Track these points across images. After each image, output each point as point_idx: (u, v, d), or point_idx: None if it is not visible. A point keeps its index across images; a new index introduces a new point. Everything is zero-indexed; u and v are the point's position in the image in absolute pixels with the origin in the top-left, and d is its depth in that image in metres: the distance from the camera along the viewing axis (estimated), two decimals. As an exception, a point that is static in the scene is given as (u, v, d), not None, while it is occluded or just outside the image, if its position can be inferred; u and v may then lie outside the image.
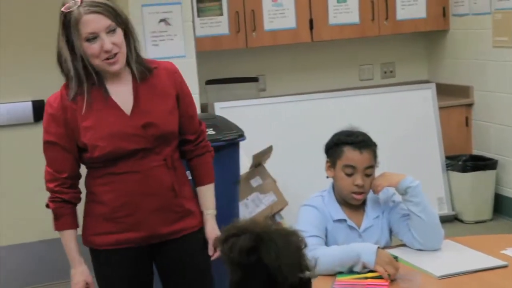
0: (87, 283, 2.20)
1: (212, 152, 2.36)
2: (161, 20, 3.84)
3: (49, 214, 2.14)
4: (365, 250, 2.10)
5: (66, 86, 2.15)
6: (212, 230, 2.27)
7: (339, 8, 4.85)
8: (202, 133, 2.33)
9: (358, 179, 2.30)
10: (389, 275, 2.04)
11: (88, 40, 2.05)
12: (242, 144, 3.65)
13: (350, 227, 2.33)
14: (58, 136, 2.13)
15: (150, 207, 2.16)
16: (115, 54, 2.08)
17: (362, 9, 4.88)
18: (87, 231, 2.22)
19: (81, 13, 2.03)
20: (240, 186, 3.82)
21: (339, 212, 2.35)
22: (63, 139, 2.13)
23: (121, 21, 2.10)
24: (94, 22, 2.04)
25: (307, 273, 1.37)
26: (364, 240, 2.32)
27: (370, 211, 2.37)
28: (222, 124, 3.56)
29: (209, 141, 2.36)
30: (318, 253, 2.11)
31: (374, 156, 2.35)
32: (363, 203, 2.38)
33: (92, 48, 2.06)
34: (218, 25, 4.62)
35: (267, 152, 4.14)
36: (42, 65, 3.98)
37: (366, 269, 2.09)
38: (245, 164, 4.00)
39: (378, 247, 2.11)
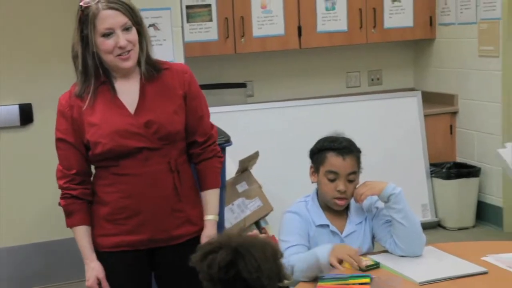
0: (98, 279, 2.20)
1: (221, 158, 2.35)
2: (150, 25, 3.86)
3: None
4: (321, 249, 2.14)
5: (76, 84, 2.18)
6: (206, 238, 2.23)
7: (328, 15, 4.89)
8: (212, 136, 2.32)
9: (340, 185, 2.32)
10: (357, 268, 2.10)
11: (104, 35, 2.09)
12: (228, 149, 3.67)
13: (333, 232, 2.36)
14: (66, 133, 2.17)
15: (151, 210, 2.18)
16: (128, 51, 2.12)
17: (350, 17, 4.93)
18: (93, 233, 2.23)
19: (99, 8, 2.08)
20: (226, 191, 3.84)
21: (321, 218, 2.37)
22: (71, 135, 2.17)
23: (137, 21, 2.15)
24: (111, 18, 2.08)
25: (286, 282, 1.38)
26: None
27: (353, 217, 2.39)
28: (210, 129, 3.58)
29: (219, 146, 2.34)
30: (292, 260, 2.17)
31: (358, 162, 2.37)
32: (347, 208, 2.40)
33: (106, 44, 2.10)
34: (207, 31, 4.65)
35: (253, 157, 4.17)
36: (30, 70, 4.01)
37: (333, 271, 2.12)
38: (231, 170, 4.02)
39: (336, 245, 2.16)
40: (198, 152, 2.29)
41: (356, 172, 2.36)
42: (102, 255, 2.22)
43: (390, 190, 2.31)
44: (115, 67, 2.15)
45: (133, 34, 2.13)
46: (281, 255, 1.38)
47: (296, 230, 2.31)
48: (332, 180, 2.33)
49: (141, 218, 2.17)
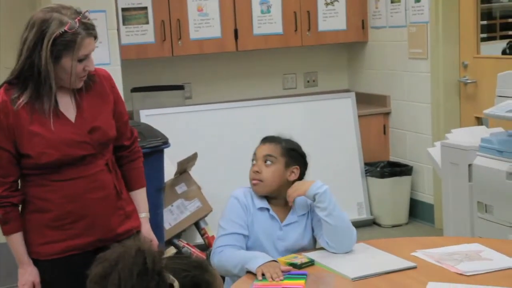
0: (34, 284, 2.20)
1: (142, 158, 2.44)
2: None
3: None
4: (256, 259, 2.17)
5: (7, 91, 2.13)
6: (148, 233, 2.37)
7: (263, 18, 4.96)
8: (136, 139, 2.42)
9: (255, 166, 2.41)
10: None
11: (80, 60, 2.10)
12: (167, 151, 3.69)
13: (272, 217, 2.40)
14: (3, 140, 2.13)
15: (97, 212, 2.21)
16: None
17: (285, 20, 5.01)
18: (32, 242, 2.21)
19: (84, 36, 2.08)
20: (165, 192, 3.86)
21: (263, 202, 2.41)
22: (8, 143, 2.14)
23: None
24: (89, 45, 2.12)
25: None
26: (285, 233, 2.39)
27: (298, 208, 2.43)
28: (147, 131, 3.59)
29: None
30: (224, 255, 2.26)
31: (282, 151, 2.42)
32: (293, 200, 2.42)
33: (79, 67, 2.12)
34: (144, 34, 4.64)
35: (192, 159, 4.20)
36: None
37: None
38: (170, 171, 4.04)
39: (274, 261, 2.18)
40: (126, 155, 2.38)
41: (273, 156, 2.40)
42: (43, 263, 2.21)
43: (314, 189, 2.34)
44: (72, 85, 2.15)
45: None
46: (157, 267, 1.29)
47: (234, 217, 2.37)
48: (253, 164, 2.43)
49: (87, 221, 2.20)
